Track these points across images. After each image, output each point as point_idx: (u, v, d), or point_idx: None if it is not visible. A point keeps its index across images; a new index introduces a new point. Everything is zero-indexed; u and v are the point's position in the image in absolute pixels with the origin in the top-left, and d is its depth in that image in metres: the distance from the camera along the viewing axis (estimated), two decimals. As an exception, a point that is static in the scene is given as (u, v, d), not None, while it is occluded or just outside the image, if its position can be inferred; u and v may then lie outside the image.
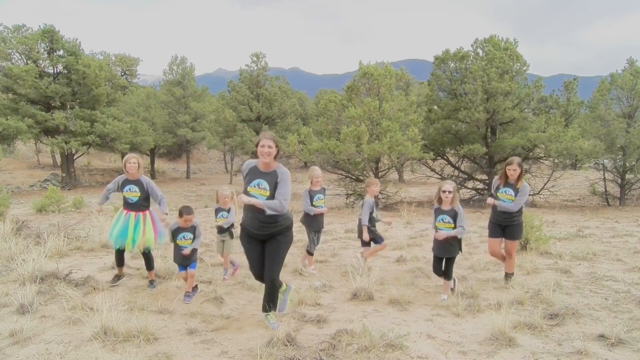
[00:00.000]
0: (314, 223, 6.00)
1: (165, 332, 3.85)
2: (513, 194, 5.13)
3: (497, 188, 5.27)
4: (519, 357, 3.35)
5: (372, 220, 5.81)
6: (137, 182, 5.11)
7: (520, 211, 5.25)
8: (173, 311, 4.37)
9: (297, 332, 3.77)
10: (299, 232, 9.80)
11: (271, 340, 3.46)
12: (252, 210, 3.83)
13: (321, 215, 6.04)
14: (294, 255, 7.17)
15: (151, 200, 5.33)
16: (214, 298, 4.74)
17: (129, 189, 5.08)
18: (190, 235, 4.84)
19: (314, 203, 5.95)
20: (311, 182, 5.99)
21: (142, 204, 5.16)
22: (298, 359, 3.21)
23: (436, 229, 4.74)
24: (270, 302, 4.04)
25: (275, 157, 3.86)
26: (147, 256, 5.24)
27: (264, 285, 4.06)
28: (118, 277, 5.33)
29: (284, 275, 5.92)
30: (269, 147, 3.76)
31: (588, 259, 6.42)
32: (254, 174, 3.87)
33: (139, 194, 5.08)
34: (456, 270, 6.08)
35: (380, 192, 15.49)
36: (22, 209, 13.78)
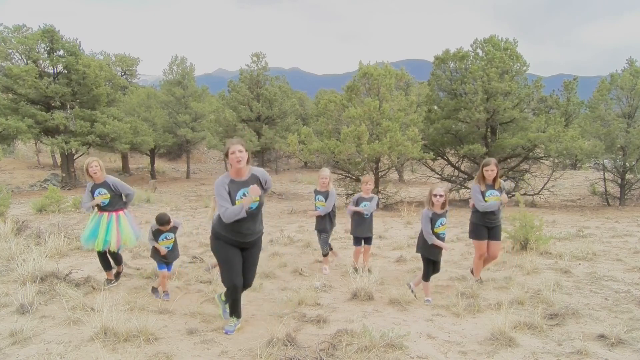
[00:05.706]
0: (316, 222, 6.13)
1: (165, 332, 3.85)
2: (498, 194, 5.20)
3: (483, 193, 5.23)
4: (519, 357, 3.35)
5: (361, 218, 5.84)
6: (104, 185, 5.14)
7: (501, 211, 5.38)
8: (173, 311, 4.38)
9: (297, 332, 3.77)
10: (299, 232, 9.80)
11: (271, 340, 3.46)
12: (242, 220, 3.68)
13: (325, 215, 6.04)
14: (293, 255, 7.17)
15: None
16: (214, 298, 4.74)
17: (99, 193, 5.12)
18: (172, 235, 4.92)
19: (315, 203, 6.08)
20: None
21: (115, 203, 5.18)
22: (298, 359, 3.21)
23: (436, 235, 4.60)
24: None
25: (247, 162, 3.67)
26: (115, 255, 5.29)
27: (243, 288, 4.01)
28: (109, 281, 5.31)
29: (284, 275, 5.93)
30: (240, 151, 3.58)
31: (588, 259, 6.41)
32: (235, 187, 3.67)
33: (108, 195, 5.13)
34: (456, 270, 6.10)
35: (380, 192, 15.49)
36: (22, 209, 13.78)
